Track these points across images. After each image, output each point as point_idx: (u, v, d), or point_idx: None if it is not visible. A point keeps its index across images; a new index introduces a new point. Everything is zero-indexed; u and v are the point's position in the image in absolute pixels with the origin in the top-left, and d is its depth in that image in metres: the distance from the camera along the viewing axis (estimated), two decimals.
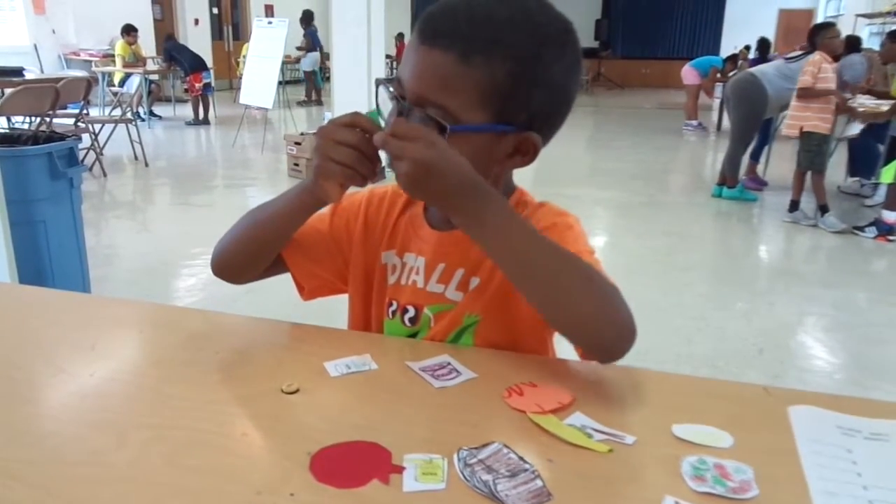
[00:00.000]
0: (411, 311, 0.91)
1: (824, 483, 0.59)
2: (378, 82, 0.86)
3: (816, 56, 4.57)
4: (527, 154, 0.82)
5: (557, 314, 0.75)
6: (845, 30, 10.77)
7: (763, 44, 9.53)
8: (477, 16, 0.76)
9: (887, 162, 4.53)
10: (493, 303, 0.87)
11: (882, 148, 5.13)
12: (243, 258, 0.95)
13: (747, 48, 10.95)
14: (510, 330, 0.88)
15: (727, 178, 5.58)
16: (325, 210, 0.96)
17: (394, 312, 0.93)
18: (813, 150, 4.61)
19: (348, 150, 0.74)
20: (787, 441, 0.66)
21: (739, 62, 9.90)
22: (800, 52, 5.31)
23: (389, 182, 0.93)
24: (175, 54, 9.76)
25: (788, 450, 0.64)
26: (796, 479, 0.60)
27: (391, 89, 0.81)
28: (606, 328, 0.73)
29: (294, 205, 0.87)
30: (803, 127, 4.58)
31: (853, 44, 6.79)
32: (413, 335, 0.92)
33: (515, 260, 0.75)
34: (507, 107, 0.78)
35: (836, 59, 4.72)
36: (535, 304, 0.76)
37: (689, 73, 9.66)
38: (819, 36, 4.76)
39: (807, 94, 4.53)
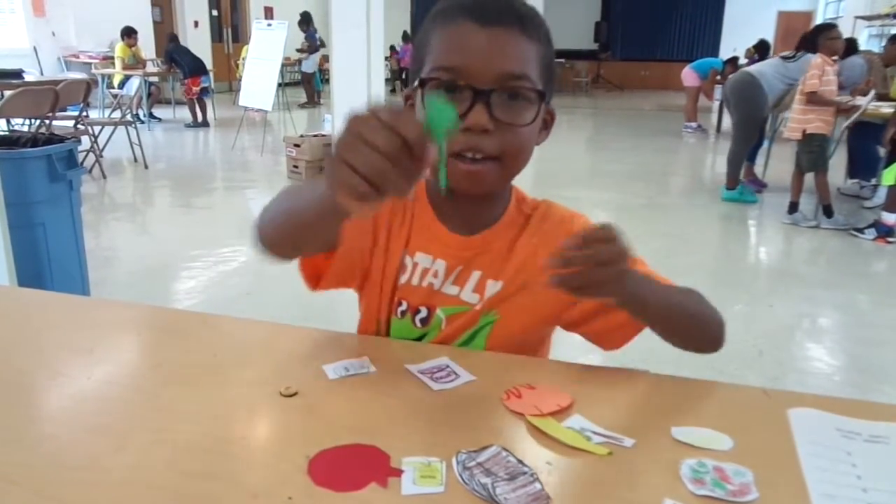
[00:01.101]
0: (423, 312, 0.90)
1: (824, 486, 0.59)
2: (426, 82, 0.79)
3: (818, 59, 4.56)
4: (548, 128, 0.88)
5: (699, 340, 0.88)
6: (844, 32, 10.78)
7: (762, 45, 9.53)
8: None
9: (888, 164, 4.52)
10: (514, 304, 0.89)
11: (882, 150, 5.12)
12: (285, 249, 0.84)
13: (755, 48, 10.91)
14: (523, 329, 0.91)
15: (727, 180, 5.59)
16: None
17: (403, 312, 0.91)
18: (815, 151, 4.61)
19: (376, 158, 0.53)
20: (786, 443, 0.65)
21: (742, 63, 9.90)
22: (796, 52, 5.32)
23: None
24: (176, 56, 9.76)
25: (788, 452, 0.64)
26: (796, 482, 0.60)
27: (445, 84, 0.77)
28: (723, 330, 0.89)
29: (324, 207, 0.67)
30: (806, 129, 4.58)
31: (851, 46, 6.79)
32: (421, 337, 0.91)
33: (666, 317, 0.83)
34: (549, 80, 0.83)
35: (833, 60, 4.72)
36: (677, 339, 0.86)
37: (688, 75, 9.67)
38: (821, 37, 4.75)
39: (814, 98, 4.52)
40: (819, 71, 4.49)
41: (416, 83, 0.82)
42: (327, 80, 8.10)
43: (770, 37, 13.92)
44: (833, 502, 0.57)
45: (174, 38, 10.40)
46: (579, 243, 0.66)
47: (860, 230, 4.53)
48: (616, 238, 0.67)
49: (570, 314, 0.90)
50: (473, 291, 0.89)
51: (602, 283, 0.67)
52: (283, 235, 0.82)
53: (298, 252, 0.85)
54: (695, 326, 0.87)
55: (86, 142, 5.93)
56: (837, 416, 0.70)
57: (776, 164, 6.23)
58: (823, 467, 0.62)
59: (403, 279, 0.91)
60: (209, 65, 10.49)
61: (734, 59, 9.78)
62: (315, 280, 0.90)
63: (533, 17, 0.81)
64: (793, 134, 4.72)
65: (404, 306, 0.91)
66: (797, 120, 4.65)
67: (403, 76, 15.14)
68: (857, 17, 10.82)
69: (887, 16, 8.50)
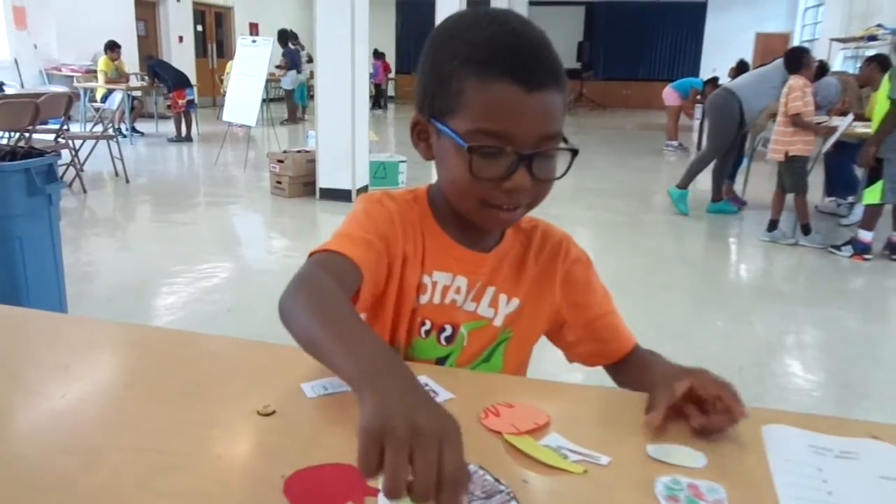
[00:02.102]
0: (448, 330, 0.92)
1: (796, 501, 0.60)
2: (477, 150, 0.78)
3: (800, 81, 4.62)
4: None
5: None
6: (820, 54, 11.01)
7: (742, 66, 9.72)
8: (546, 48, 0.80)
9: (869, 183, 4.59)
10: (526, 320, 0.95)
11: (859, 170, 5.21)
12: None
13: (735, 68, 11.13)
14: (530, 345, 1.00)
15: (682, 180, 5.72)
16: (368, 234, 0.86)
17: (427, 332, 0.92)
18: (798, 172, 4.68)
19: (403, 475, 0.50)
20: (760, 460, 0.66)
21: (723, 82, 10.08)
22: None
23: (386, 191, 0.96)
24: (159, 71, 9.75)
25: (761, 469, 0.65)
26: (768, 498, 0.61)
27: (490, 150, 0.78)
28: None
29: (340, 376, 0.64)
30: (789, 151, 4.63)
31: (823, 67, 6.93)
32: (447, 356, 0.93)
33: None
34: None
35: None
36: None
37: (669, 95, 9.81)
38: (805, 59, 4.83)
39: (797, 120, 4.57)
40: (801, 93, 4.56)
41: (434, 118, 0.83)
42: (313, 97, 8.12)
43: (749, 57, 14.17)
44: None
45: (152, 56, 10.46)
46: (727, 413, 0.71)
47: (837, 247, 4.60)
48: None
49: (557, 328, 0.99)
50: (489, 306, 0.93)
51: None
52: (296, 339, 0.73)
53: None
54: None
55: (66, 156, 5.89)
56: (809, 433, 0.71)
57: (756, 181, 6.31)
58: (795, 483, 0.62)
59: (424, 299, 0.92)
60: (193, 80, 10.47)
61: (714, 80, 9.95)
62: None
63: (562, 66, 0.81)
64: (775, 155, 4.78)
65: (428, 325, 0.92)
66: (780, 142, 4.71)
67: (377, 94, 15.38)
68: (833, 39, 11.04)
69: (862, 38, 8.69)
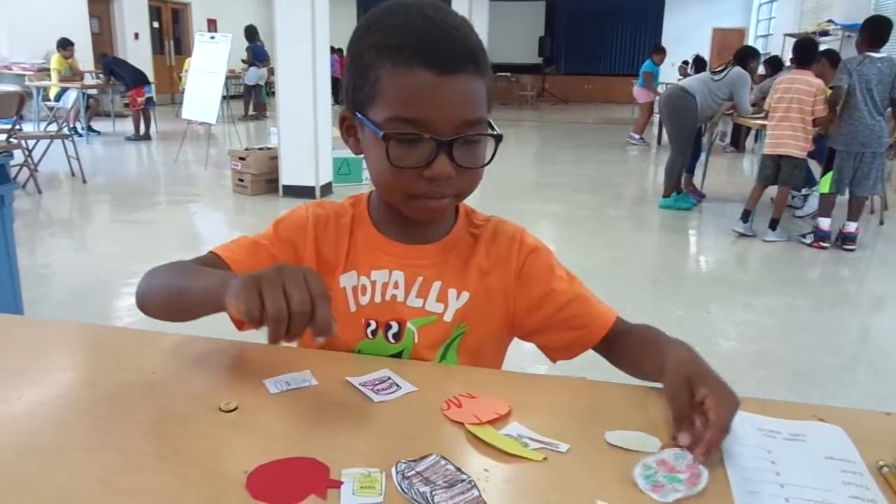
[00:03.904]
0: (395, 327, 0.91)
1: (746, 483, 0.62)
2: (393, 137, 0.78)
3: (818, 81, 4.54)
4: (494, 150, 0.86)
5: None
6: (775, 49, 11.27)
7: (699, 60, 9.91)
8: (461, 32, 0.80)
9: (825, 173, 4.74)
10: (478, 314, 0.92)
11: (812, 162, 5.36)
12: (164, 315, 0.90)
13: (686, 63, 11.38)
14: (489, 339, 0.95)
15: (664, 188, 5.79)
16: (265, 239, 0.94)
17: (374, 332, 0.91)
18: (803, 167, 4.71)
19: (283, 308, 0.65)
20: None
21: (678, 78, 10.27)
22: (725, 68, 5.54)
23: (327, 200, 0.95)
24: (115, 68, 9.54)
25: (714, 452, 0.67)
26: (720, 480, 0.63)
27: (407, 137, 0.78)
28: None
29: (211, 303, 0.77)
30: (795, 153, 4.61)
31: (778, 62, 7.11)
32: (398, 353, 0.91)
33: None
34: (490, 103, 0.84)
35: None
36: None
37: (640, 94, 9.98)
38: (817, 53, 4.84)
39: (822, 122, 4.54)
40: (824, 96, 4.48)
41: (356, 110, 0.83)
42: (273, 93, 8.03)
43: (706, 52, 14.45)
44: (753, 498, 0.60)
45: (106, 54, 10.25)
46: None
47: (804, 236, 4.75)
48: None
49: (525, 324, 0.95)
50: (437, 301, 0.91)
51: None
52: (164, 307, 0.89)
53: (174, 321, 0.88)
54: None
55: (19, 156, 5.73)
56: (760, 417, 0.74)
57: (713, 174, 6.45)
58: (745, 465, 0.65)
59: (365, 300, 0.92)
60: (150, 77, 10.27)
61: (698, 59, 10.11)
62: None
63: (482, 51, 0.81)
64: (781, 150, 4.67)
65: (373, 325, 0.92)
66: (789, 136, 4.60)
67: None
68: (786, 35, 11.31)
69: (814, 33, 8.90)
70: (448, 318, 0.91)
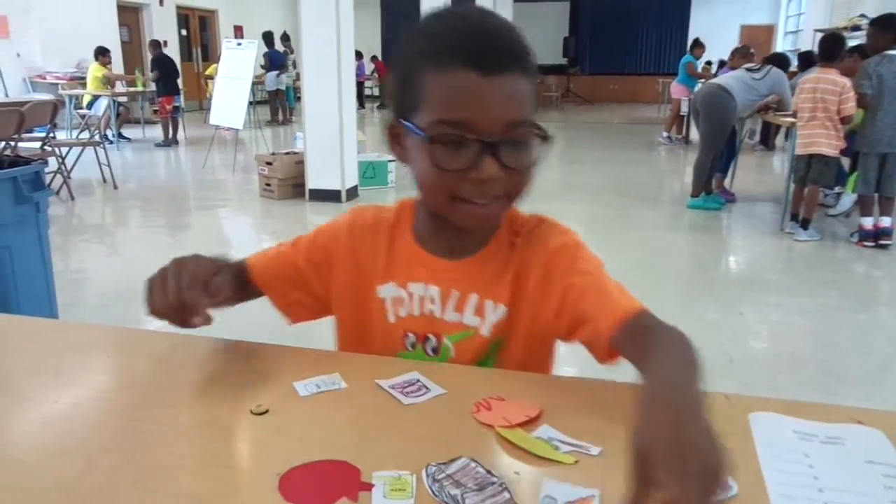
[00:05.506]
0: (433, 341, 0.90)
1: (782, 487, 0.61)
2: (437, 139, 0.77)
3: (843, 79, 4.41)
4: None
5: None
6: (805, 45, 11.07)
7: (722, 65, 9.78)
8: (505, 33, 0.79)
9: (852, 172, 4.67)
10: (515, 327, 0.89)
11: (844, 160, 5.26)
12: None
13: (709, 64, 11.22)
14: (526, 349, 0.91)
15: (693, 188, 5.71)
16: (304, 238, 0.98)
17: (413, 344, 0.91)
18: (831, 165, 4.60)
19: (163, 296, 0.81)
20: (747, 447, 0.67)
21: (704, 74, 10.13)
22: (762, 66, 5.46)
23: (366, 204, 0.96)
24: (169, 66, 9.80)
25: (749, 455, 0.66)
26: (756, 484, 0.62)
27: (452, 139, 0.77)
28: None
29: None
30: (826, 152, 4.50)
31: (811, 58, 6.98)
32: None
33: None
34: (536, 102, 0.83)
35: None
36: None
37: (676, 88, 9.86)
38: (842, 51, 4.65)
39: (849, 121, 4.43)
40: (853, 93, 4.36)
41: (401, 118, 0.82)
42: (300, 98, 8.10)
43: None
44: (791, 502, 0.59)
45: (159, 45, 10.34)
46: None
47: (852, 235, 4.69)
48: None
49: (558, 330, 0.89)
50: (474, 314, 0.89)
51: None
52: None
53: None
54: None
55: (53, 163, 5.86)
56: (795, 419, 0.72)
57: (742, 174, 6.35)
58: (782, 469, 0.64)
59: (404, 312, 0.91)
60: (179, 84, 10.44)
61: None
62: (285, 315, 1.00)
63: (528, 51, 0.80)
64: (813, 149, 4.56)
65: (412, 338, 0.91)
66: (821, 135, 4.50)
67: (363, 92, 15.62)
68: (816, 30, 11.11)
69: (845, 28, 8.74)
70: (485, 331, 0.89)
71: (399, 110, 0.83)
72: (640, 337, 0.77)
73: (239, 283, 0.94)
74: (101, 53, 9.51)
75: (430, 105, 0.78)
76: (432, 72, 0.77)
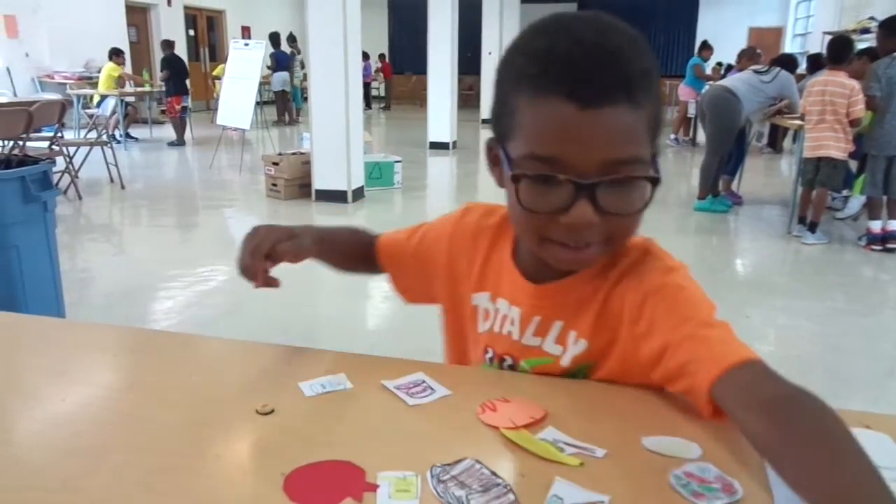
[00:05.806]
0: (509, 361, 0.88)
1: (787, 490, 0.61)
2: (526, 176, 0.69)
3: (852, 81, 4.40)
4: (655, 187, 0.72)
5: None
6: (813, 47, 11.04)
7: (730, 69, 9.78)
8: (617, 57, 0.67)
9: (859, 175, 4.66)
10: (596, 364, 0.82)
11: (851, 163, 5.24)
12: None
13: (720, 65, 11.20)
14: (622, 372, 0.81)
15: (699, 190, 5.70)
16: (422, 229, 1.01)
17: (491, 360, 0.90)
18: (839, 168, 4.60)
19: (241, 256, 0.88)
20: (752, 451, 0.67)
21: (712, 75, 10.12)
22: (770, 68, 5.44)
23: (479, 207, 0.96)
24: (176, 65, 9.83)
25: (754, 458, 0.65)
26: (761, 487, 0.61)
27: (542, 178, 0.69)
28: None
29: None
30: (835, 154, 4.48)
31: (820, 61, 6.95)
32: None
33: None
34: (657, 133, 0.72)
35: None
36: None
37: (684, 91, 9.86)
38: (851, 54, 4.64)
39: (858, 124, 4.42)
40: (862, 96, 4.34)
41: (499, 142, 0.76)
42: (307, 98, 8.14)
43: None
44: None
45: (171, 45, 10.38)
46: None
47: (859, 238, 4.67)
48: None
49: (653, 378, 0.77)
50: (556, 343, 0.84)
51: None
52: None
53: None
54: None
55: (61, 163, 5.89)
56: None
57: (749, 176, 6.33)
58: None
59: (485, 326, 0.90)
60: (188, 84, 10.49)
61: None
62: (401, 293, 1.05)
63: (642, 74, 0.68)
64: (821, 152, 4.53)
65: (491, 353, 0.90)
66: (830, 138, 4.48)
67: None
68: (825, 33, 11.07)
69: (854, 31, 8.71)
70: (565, 362, 0.83)
71: (497, 132, 0.77)
72: (753, 402, 0.64)
73: (365, 258, 1.03)
74: (116, 54, 9.58)
75: (523, 136, 0.70)
76: (527, 98, 0.69)
